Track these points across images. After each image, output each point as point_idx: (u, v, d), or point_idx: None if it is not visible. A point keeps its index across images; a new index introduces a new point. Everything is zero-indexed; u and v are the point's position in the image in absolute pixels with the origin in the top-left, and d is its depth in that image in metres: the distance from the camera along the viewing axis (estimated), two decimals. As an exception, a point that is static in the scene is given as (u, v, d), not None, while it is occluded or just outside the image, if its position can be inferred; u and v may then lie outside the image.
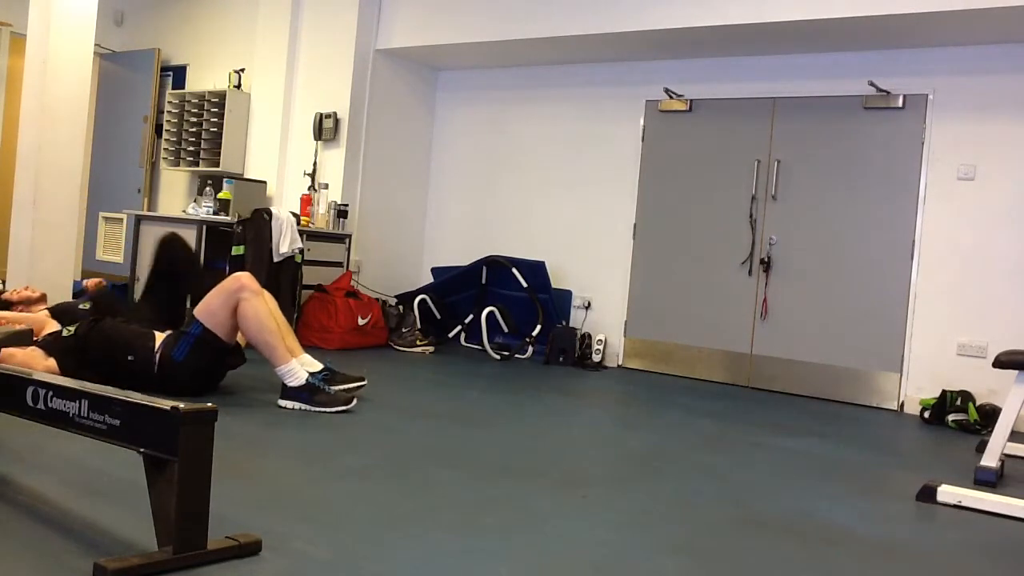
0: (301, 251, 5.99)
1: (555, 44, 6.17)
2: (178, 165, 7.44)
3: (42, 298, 4.40)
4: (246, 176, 6.89)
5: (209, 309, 3.70)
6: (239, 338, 3.88)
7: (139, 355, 3.66)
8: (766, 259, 5.76)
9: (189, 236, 5.97)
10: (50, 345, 3.64)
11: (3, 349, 3.49)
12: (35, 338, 3.75)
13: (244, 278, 3.74)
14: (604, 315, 6.41)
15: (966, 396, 4.87)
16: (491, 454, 3.32)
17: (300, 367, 3.75)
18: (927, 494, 3.09)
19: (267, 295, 4.05)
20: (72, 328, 3.71)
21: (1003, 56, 5.12)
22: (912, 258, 5.34)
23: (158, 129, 7.80)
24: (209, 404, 1.90)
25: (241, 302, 3.66)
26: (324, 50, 6.72)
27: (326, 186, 6.57)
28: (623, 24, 5.70)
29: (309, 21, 6.83)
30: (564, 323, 6.39)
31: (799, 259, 5.71)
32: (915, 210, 5.34)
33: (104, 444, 2.02)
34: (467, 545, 2.22)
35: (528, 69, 6.88)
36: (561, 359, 6.11)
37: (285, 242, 5.83)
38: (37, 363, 3.46)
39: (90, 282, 4.52)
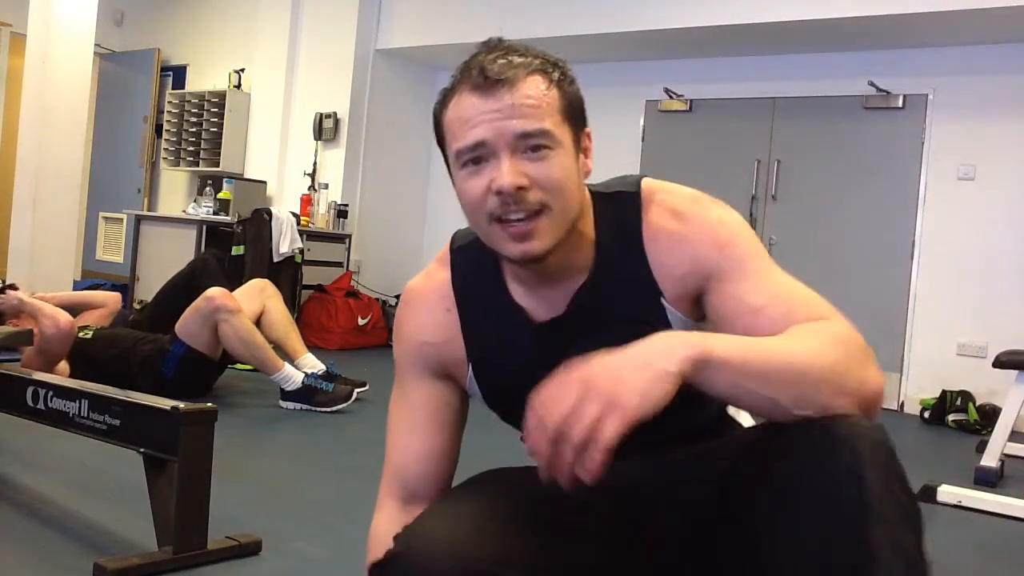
0: (301, 251, 5.99)
1: (555, 44, 6.12)
2: (178, 165, 7.44)
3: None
4: (246, 176, 6.88)
5: (189, 330, 3.60)
6: None
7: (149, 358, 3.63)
8: (766, 259, 5.75)
9: (189, 236, 5.99)
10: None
11: (25, 355, 3.48)
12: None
13: (218, 297, 3.57)
14: (604, 315, 6.39)
15: (966, 396, 4.87)
16: (490, 454, 3.30)
17: (294, 371, 3.72)
18: (927, 494, 3.09)
19: (271, 290, 4.04)
20: (89, 332, 3.70)
21: (1003, 56, 5.12)
22: (912, 258, 5.34)
23: (158, 129, 7.80)
24: (209, 404, 1.90)
25: (220, 324, 3.54)
26: (324, 50, 6.72)
27: (326, 186, 6.57)
28: (623, 24, 5.70)
29: (309, 21, 6.83)
30: (564, 323, 6.37)
31: (799, 259, 5.69)
32: (915, 210, 5.33)
33: (104, 444, 2.02)
34: (467, 545, 2.22)
35: (528, 69, 6.86)
36: (561, 359, 6.10)
37: (285, 242, 5.83)
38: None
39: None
